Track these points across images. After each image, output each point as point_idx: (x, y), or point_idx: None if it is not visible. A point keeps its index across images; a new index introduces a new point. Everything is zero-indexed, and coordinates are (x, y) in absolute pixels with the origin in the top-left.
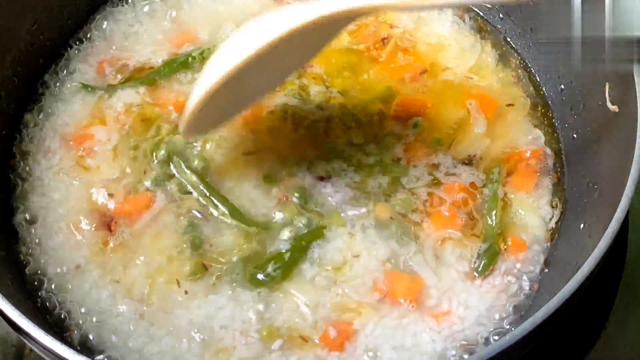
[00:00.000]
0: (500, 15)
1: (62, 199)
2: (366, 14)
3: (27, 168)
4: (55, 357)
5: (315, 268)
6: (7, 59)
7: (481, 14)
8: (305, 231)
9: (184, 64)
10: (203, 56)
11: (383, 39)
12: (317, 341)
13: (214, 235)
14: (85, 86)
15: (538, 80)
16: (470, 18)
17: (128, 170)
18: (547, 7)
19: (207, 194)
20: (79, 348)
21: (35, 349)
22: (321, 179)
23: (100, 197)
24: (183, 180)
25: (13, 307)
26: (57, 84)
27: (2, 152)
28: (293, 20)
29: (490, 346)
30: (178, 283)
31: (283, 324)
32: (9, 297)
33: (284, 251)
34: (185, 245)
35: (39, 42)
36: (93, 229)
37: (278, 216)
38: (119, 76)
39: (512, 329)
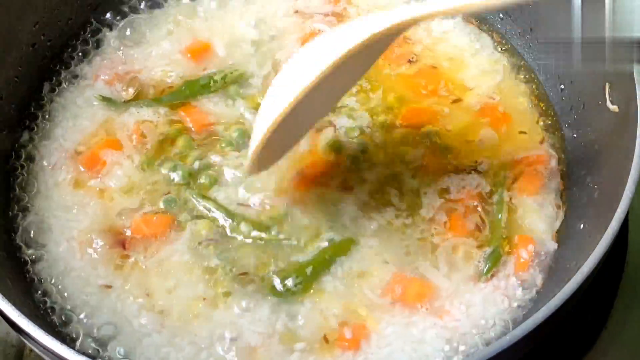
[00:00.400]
0: (501, 16)
1: (69, 208)
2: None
3: (32, 177)
4: (55, 358)
5: (336, 279)
6: (7, 59)
7: (481, 14)
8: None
9: (205, 86)
10: (225, 80)
11: (409, 60)
12: (334, 341)
13: (236, 251)
14: (103, 99)
15: (538, 80)
16: (474, 20)
17: (143, 193)
18: (547, 7)
19: (226, 216)
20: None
21: (36, 349)
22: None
23: (115, 218)
24: (201, 205)
25: (13, 308)
26: (63, 94)
27: (4, 153)
28: (354, 37)
29: (491, 346)
30: (202, 298)
31: (303, 329)
32: (9, 298)
33: (305, 263)
34: (208, 263)
35: (40, 42)
36: (107, 246)
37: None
38: (131, 89)
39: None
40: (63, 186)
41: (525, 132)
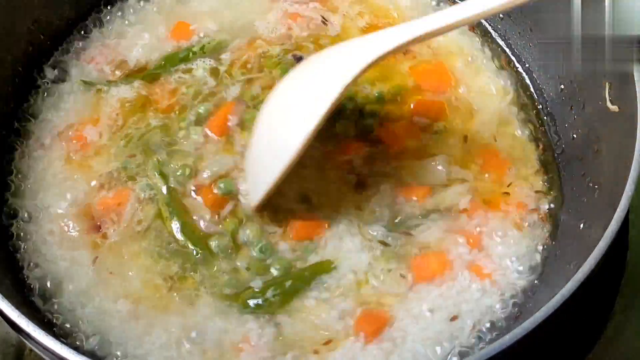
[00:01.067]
0: (500, 15)
1: (55, 197)
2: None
3: (23, 167)
4: (55, 357)
5: (318, 294)
6: (7, 58)
7: None
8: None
9: (184, 58)
10: (204, 50)
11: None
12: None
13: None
14: (85, 83)
15: (538, 80)
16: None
17: (118, 165)
18: (547, 7)
19: (167, 202)
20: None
21: (35, 349)
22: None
23: (88, 192)
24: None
25: (13, 308)
26: (56, 82)
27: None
28: (365, 57)
29: (490, 346)
30: (168, 286)
31: (288, 334)
32: (9, 298)
33: (283, 277)
34: (164, 249)
35: (39, 41)
36: (84, 230)
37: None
38: (118, 72)
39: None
40: (57, 178)
41: (521, 133)
